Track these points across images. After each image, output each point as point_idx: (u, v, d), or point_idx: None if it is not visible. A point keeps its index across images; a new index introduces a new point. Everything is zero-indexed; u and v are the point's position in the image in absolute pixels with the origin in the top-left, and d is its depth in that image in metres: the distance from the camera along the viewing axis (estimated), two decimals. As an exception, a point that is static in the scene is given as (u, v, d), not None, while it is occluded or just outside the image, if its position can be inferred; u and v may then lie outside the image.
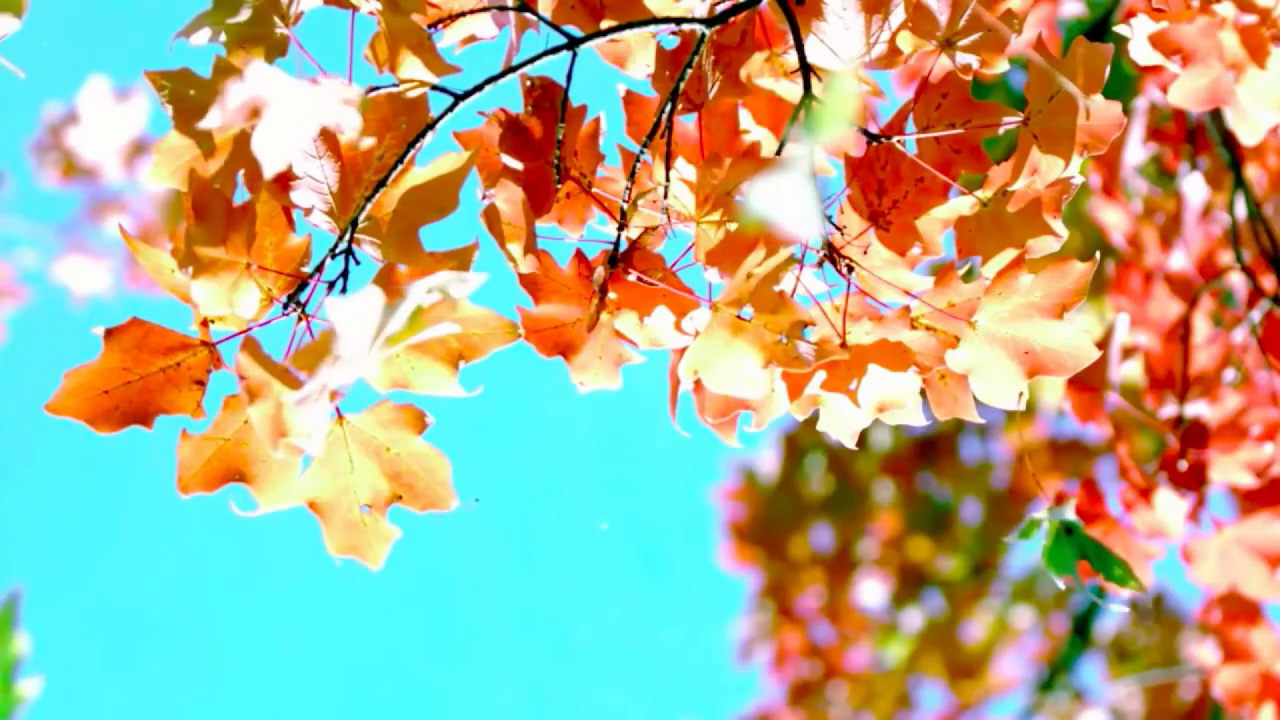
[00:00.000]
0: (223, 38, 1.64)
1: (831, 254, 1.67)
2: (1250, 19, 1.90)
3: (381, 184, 1.60)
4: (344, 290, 1.60)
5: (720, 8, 1.73)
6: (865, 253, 1.69)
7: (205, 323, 1.59)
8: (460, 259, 1.58)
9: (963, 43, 1.68)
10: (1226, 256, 2.74)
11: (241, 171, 1.62)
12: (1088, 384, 2.47)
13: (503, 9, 1.75)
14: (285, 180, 1.62)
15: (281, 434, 1.51)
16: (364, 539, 1.63)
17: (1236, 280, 2.71)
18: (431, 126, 1.62)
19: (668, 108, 1.68)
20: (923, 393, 1.66)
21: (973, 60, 1.68)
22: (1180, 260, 2.77)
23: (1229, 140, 2.63)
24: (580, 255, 1.68)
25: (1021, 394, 1.63)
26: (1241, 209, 2.62)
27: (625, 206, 1.68)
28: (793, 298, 1.57)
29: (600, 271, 1.65)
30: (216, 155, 1.62)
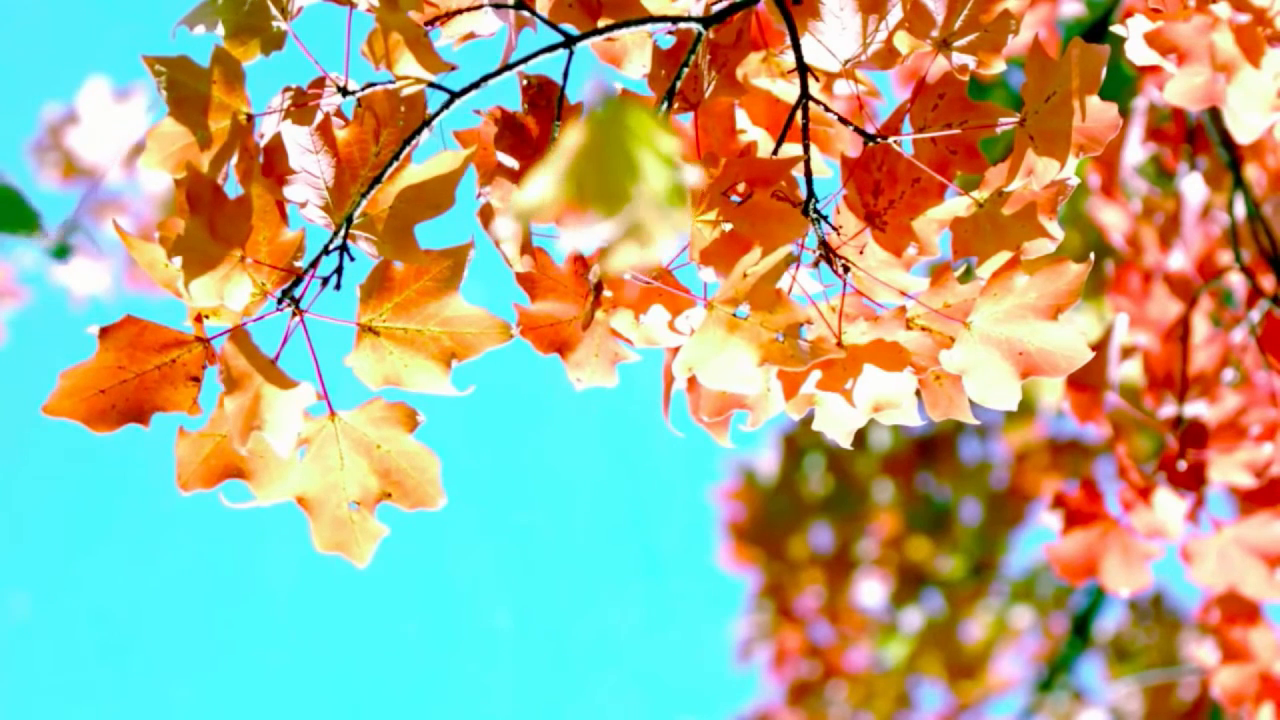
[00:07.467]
0: (220, 29, 1.64)
1: (828, 254, 1.67)
2: (1245, 19, 1.90)
3: (377, 180, 1.59)
4: (338, 287, 1.60)
5: (717, 7, 1.73)
6: (861, 253, 1.69)
7: (199, 318, 1.58)
8: (455, 257, 1.58)
9: (959, 43, 1.68)
10: (1226, 256, 2.74)
11: (234, 163, 1.61)
12: (1087, 384, 2.46)
13: (500, 6, 1.75)
14: (280, 174, 1.62)
15: (253, 429, 1.50)
16: (351, 536, 1.63)
17: (1236, 280, 2.70)
18: (427, 124, 1.62)
19: (664, 107, 1.68)
20: (918, 393, 1.66)
21: (970, 60, 1.68)
22: (1179, 260, 2.77)
23: (1228, 140, 2.62)
24: (577, 254, 1.68)
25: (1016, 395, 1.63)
26: (1241, 209, 2.62)
27: (622, 205, 1.68)
28: (789, 297, 1.57)
29: (597, 270, 1.65)
30: (211, 145, 1.62)
